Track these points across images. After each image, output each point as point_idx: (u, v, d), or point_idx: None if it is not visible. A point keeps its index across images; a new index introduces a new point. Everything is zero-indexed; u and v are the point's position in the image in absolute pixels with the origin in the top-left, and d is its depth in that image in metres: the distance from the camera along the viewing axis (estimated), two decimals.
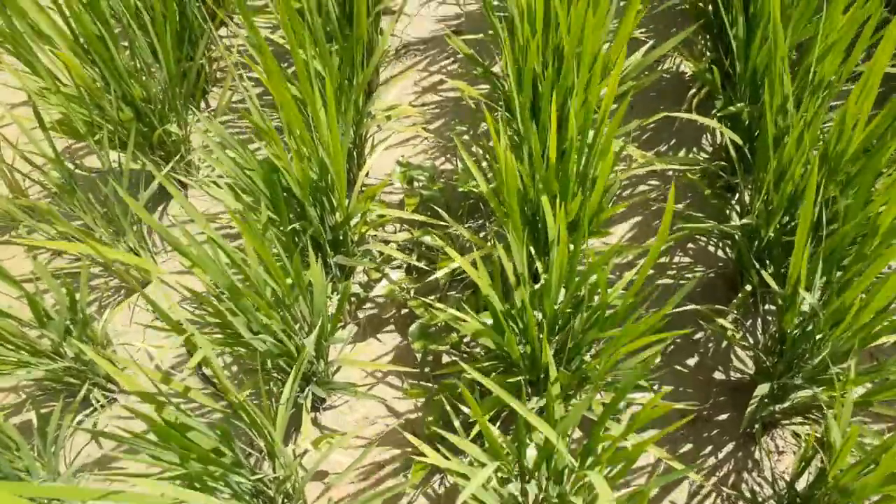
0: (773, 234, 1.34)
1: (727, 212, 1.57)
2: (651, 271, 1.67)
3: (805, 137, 1.27)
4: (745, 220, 1.27)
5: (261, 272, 1.20)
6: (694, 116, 1.36)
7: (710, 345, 1.54)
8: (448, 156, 1.90)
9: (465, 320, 1.34)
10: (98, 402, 1.51)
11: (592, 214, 1.32)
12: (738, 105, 1.43)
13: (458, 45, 1.64)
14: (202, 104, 2.07)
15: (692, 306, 1.42)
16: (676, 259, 1.68)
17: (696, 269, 1.67)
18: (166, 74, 1.68)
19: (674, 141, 1.87)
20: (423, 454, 1.38)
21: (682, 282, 1.65)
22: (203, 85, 2.04)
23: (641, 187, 1.78)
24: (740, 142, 1.38)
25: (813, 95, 1.39)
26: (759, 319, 1.54)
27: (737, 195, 1.50)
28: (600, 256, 1.14)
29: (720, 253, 1.66)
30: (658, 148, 1.86)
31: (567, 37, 1.27)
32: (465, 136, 1.92)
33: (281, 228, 1.42)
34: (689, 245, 1.69)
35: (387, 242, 1.68)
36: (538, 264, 1.39)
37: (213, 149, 1.33)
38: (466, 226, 1.74)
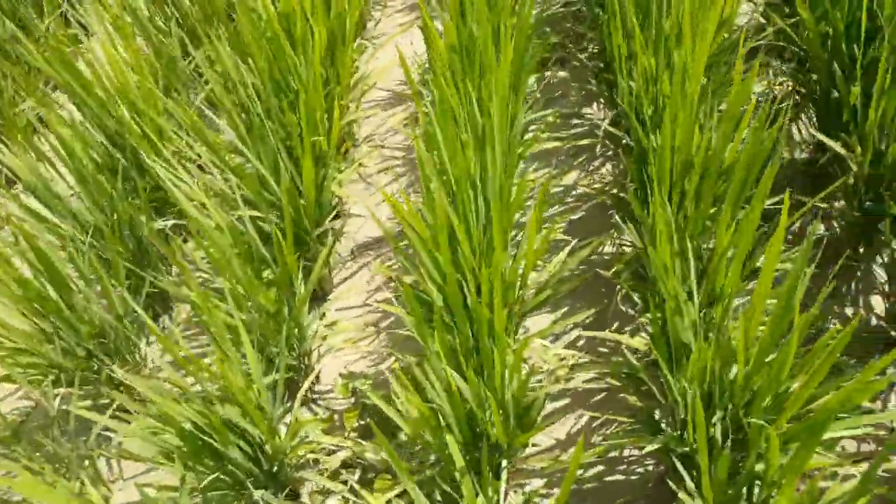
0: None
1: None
2: (601, 467, 1.64)
3: (706, 355, 1.28)
4: (654, 445, 1.26)
5: None
6: (613, 336, 1.38)
7: None
8: (395, 356, 1.93)
9: None
10: None
11: (508, 446, 1.33)
12: (650, 316, 1.45)
13: (382, 270, 1.72)
14: (167, 318, 2.16)
15: None
16: (626, 452, 1.65)
17: (647, 462, 1.63)
18: (114, 319, 1.78)
19: (617, 324, 1.88)
20: None
21: (632, 477, 1.61)
22: (166, 303, 2.14)
23: (572, 383, 1.76)
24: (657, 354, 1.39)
25: (718, 304, 1.41)
26: None
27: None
28: None
29: None
30: (601, 329, 1.86)
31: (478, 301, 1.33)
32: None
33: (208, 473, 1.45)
34: None
35: (328, 457, 1.69)
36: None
37: (129, 408, 1.38)
38: None
